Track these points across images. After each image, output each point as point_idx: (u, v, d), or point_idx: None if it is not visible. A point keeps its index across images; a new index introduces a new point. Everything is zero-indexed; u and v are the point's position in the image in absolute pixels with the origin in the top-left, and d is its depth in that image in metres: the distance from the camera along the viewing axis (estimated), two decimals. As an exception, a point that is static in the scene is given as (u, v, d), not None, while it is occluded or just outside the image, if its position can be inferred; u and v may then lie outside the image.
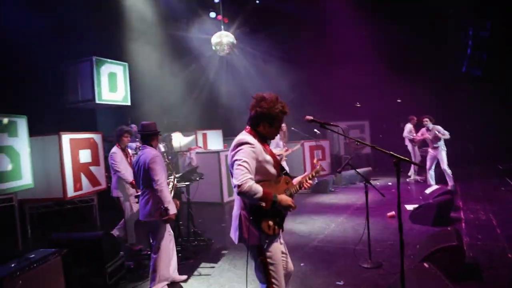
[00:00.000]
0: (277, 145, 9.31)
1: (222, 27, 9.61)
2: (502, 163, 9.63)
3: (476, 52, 11.09)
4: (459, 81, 12.48)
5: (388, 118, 13.36)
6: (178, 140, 9.71)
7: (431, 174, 8.60)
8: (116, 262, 4.38)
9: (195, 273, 4.52)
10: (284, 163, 9.26)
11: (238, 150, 2.50)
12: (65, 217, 7.00)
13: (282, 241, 2.82)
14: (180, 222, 5.73)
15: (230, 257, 4.96)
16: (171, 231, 4.18)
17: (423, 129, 8.73)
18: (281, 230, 2.68)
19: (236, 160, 2.46)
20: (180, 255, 4.99)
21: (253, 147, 2.51)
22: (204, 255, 5.11)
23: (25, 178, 6.00)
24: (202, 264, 4.78)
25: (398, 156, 2.69)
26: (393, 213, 6.52)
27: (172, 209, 3.81)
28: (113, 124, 9.02)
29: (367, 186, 4.49)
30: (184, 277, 4.29)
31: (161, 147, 9.09)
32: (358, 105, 14.53)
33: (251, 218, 2.48)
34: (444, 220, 5.77)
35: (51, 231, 5.01)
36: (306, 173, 3.02)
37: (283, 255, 2.81)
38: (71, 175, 6.72)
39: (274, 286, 2.55)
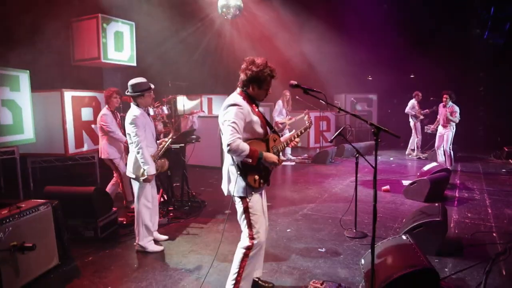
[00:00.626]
0: (280, 113, 9.31)
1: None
2: (511, 146, 9.50)
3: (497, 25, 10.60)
4: (477, 60, 12.06)
5: (399, 93, 13.08)
6: (182, 103, 9.74)
7: (440, 152, 8.47)
8: (108, 217, 4.56)
9: (184, 232, 4.66)
10: (286, 131, 9.29)
11: (228, 111, 2.67)
12: (67, 173, 7.21)
13: (264, 197, 3.00)
14: (177, 184, 5.89)
15: (220, 219, 5.08)
16: (154, 191, 4.25)
17: (440, 105, 8.38)
18: (265, 185, 2.90)
19: (225, 120, 2.65)
20: (171, 214, 5.17)
21: (241, 108, 2.67)
22: (195, 216, 5.25)
23: (27, 133, 6.13)
24: (192, 225, 4.92)
25: (377, 125, 2.68)
26: (387, 187, 6.56)
27: (150, 171, 3.84)
28: (119, 84, 9.05)
29: (358, 157, 4.49)
30: (165, 237, 4.41)
31: (165, 109, 9.16)
32: (370, 78, 14.28)
33: (238, 172, 2.70)
34: (437, 197, 5.78)
35: (52, 186, 5.18)
36: (293, 131, 3.17)
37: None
38: (73, 132, 6.86)
39: (254, 235, 2.76)
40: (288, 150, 9.84)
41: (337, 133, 4.64)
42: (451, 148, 8.14)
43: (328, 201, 5.97)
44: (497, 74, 11.46)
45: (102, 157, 5.51)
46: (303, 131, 3.20)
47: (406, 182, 6.78)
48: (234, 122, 2.60)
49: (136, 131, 3.79)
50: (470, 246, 4.10)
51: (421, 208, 4.47)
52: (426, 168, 6.77)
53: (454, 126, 8.13)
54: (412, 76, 13.44)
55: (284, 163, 9.41)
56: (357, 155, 4.49)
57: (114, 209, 4.70)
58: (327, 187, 6.87)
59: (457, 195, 6.23)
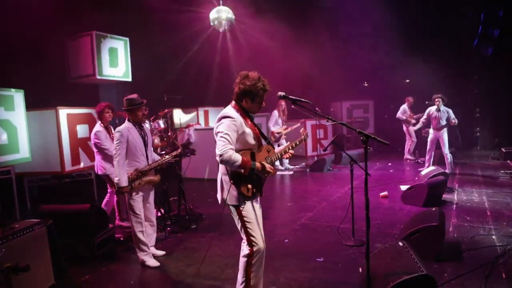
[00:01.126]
0: (276, 123, 9.33)
1: (221, 1, 9.42)
2: (508, 147, 9.50)
3: (486, 32, 10.66)
4: (472, 63, 12.14)
5: (395, 98, 13.08)
6: (178, 116, 9.77)
7: (432, 155, 8.43)
8: (105, 234, 4.53)
9: (181, 246, 4.63)
10: (283, 141, 9.30)
11: (221, 123, 2.77)
12: (65, 191, 7.19)
13: (259, 206, 3.01)
14: (174, 198, 5.86)
15: (218, 232, 5.02)
16: (150, 205, 4.26)
17: (432, 108, 8.16)
18: (259, 194, 2.97)
19: (218, 132, 2.74)
20: (169, 229, 5.13)
21: (233, 121, 2.76)
22: (192, 230, 5.23)
23: (23, 152, 6.15)
24: (190, 238, 4.90)
25: (366, 133, 2.69)
26: (386, 193, 6.54)
27: (119, 183, 3.87)
28: (115, 100, 9.07)
29: (352, 165, 4.49)
30: (162, 252, 4.39)
31: (161, 123, 9.17)
32: (366, 85, 14.32)
33: (231, 181, 2.79)
34: (435, 201, 5.75)
35: (50, 204, 5.13)
36: (288, 143, 3.23)
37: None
38: (69, 149, 6.87)
39: (252, 242, 2.83)
40: (286, 160, 9.84)
41: (330, 141, 4.65)
42: (448, 151, 8.09)
43: (326, 209, 5.96)
44: (492, 76, 11.52)
45: (99, 173, 5.46)
46: (297, 143, 3.23)
47: (404, 188, 6.75)
48: (226, 134, 2.69)
49: (116, 144, 3.94)
50: (469, 250, 4.07)
51: (418, 213, 4.46)
52: (424, 172, 6.76)
53: (446, 128, 8.12)
54: (407, 81, 13.50)
55: (282, 172, 9.42)
56: (352, 162, 4.50)
57: (111, 225, 4.69)
58: (325, 195, 6.85)
59: (455, 198, 6.21)
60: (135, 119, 4.10)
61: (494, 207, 5.59)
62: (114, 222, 5.42)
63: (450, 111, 8.00)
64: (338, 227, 4.83)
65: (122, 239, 4.93)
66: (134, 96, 4.16)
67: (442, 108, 8.01)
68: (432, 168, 6.88)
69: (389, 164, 9.90)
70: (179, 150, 4.64)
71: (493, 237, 4.41)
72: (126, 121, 4.10)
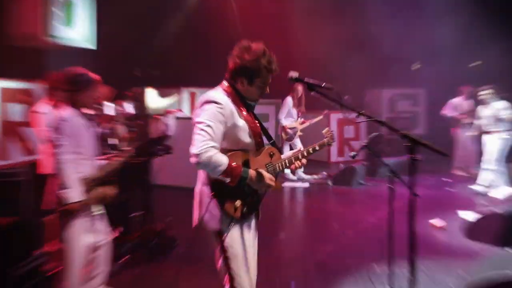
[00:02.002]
0: (289, 114, 9.10)
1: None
2: None
3: None
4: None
5: (455, 87, 12.79)
6: (154, 98, 9.59)
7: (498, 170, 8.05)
8: (30, 263, 4.27)
9: (142, 285, 4.55)
10: (297, 140, 9.06)
11: (202, 111, 2.67)
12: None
13: (254, 234, 2.92)
14: (135, 214, 5.62)
15: (197, 267, 4.72)
16: (98, 236, 3.87)
17: (480, 106, 8.37)
18: (253, 215, 2.88)
19: (197, 122, 2.62)
20: (126, 258, 4.94)
21: (220, 108, 2.65)
22: (161, 261, 5.06)
23: None
24: (155, 273, 4.77)
25: (413, 137, 2.39)
26: (440, 221, 6.29)
27: (73, 197, 3.50)
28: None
29: (393, 180, 4.14)
30: None
31: (129, 107, 9.00)
32: (417, 67, 13.97)
33: (212, 194, 2.67)
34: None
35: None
36: (301, 148, 3.15)
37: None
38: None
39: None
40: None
41: (362, 146, 4.40)
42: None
43: (353, 242, 5.85)
44: None
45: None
46: (317, 148, 3.10)
47: (466, 215, 6.47)
48: (208, 126, 2.57)
49: (59, 138, 3.56)
50: None
51: (490, 258, 4.14)
52: (499, 195, 6.47)
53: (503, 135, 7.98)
54: (473, 64, 13.12)
55: (292, 184, 9.27)
56: (392, 176, 4.15)
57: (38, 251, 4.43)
58: (352, 221, 6.77)
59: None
60: (82, 104, 3.80)
61: None
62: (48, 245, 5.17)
63: (504, 103, 7.98)
64: (369, 269, 4.66)
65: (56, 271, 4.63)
66: (82, 71, 3.87)
67: (494, 103, 8.02)
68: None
69: (445, 179, 9.57)
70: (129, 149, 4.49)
71: None
72: (68, 106, 3.75)
